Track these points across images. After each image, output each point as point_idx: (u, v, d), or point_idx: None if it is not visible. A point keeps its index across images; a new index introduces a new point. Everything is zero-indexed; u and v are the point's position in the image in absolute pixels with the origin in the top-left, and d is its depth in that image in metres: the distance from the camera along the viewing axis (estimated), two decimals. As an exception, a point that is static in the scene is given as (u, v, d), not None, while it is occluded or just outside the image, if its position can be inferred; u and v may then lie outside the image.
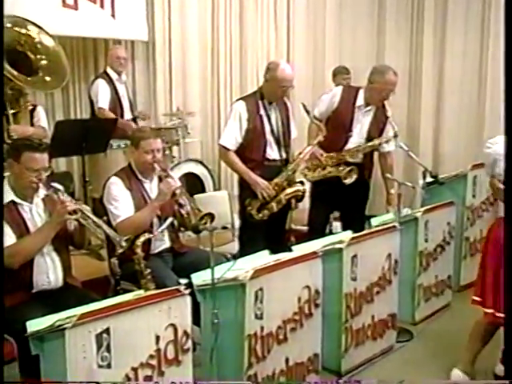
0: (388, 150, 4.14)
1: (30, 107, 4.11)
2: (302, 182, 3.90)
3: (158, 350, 2.36)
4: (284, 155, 3.83)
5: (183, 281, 3.05)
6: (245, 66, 6.23)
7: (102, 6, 5.11)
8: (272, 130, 3.76)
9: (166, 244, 3.36)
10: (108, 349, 2.19)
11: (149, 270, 3.00)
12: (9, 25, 3.96)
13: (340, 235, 3.31)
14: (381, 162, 4.21)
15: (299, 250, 3.01)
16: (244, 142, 3.72)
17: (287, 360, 2.86)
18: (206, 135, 6.02)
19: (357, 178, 3.98)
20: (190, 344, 2.48)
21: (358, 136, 4.04)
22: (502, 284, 2.76)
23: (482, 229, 4.27)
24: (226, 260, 3.44)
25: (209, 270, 2.59)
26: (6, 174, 3.06)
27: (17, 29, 4.02)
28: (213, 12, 5.96)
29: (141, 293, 2.45)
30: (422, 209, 3.84)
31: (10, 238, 2.67)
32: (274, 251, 3.01)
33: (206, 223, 3.18)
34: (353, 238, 3.15)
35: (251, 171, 3.70)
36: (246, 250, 3.45)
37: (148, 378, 2.34)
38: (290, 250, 3.04)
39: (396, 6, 6.42)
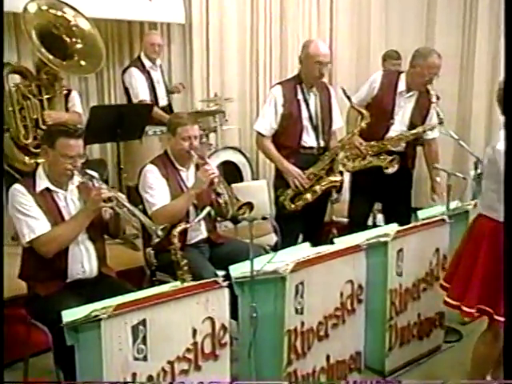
0: (432, 137, 4.06)
1: (65, 92, 4.18)
2: (340, 173, 3.87)
3: (195, 344, 2.39)
4: (322, 143, 3.78)
5: (220, 273, 3.08)
6: (285, 50, 6.20)
7: (137, -13, 5.15)
8: (310, 116, 3.72)
9: (203, 234, 3.38)
10: (144, 341, 2.22)
11: (185, 261, 3.01)
12: (45, 7, 4.02)
13: (385, 228, 3.28)
14: (424, 149, 4.14)
15: (341, 242, 2.99)
16: (279, 128, 3.71)
17: (328, 357, 2.85)
18: (244, 122, 6.02)
19: (399, 167, 3.92)
20: (227, 338, 2.50)
21: (399, 123, 3.98)
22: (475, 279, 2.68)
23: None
24: (265, 252, 3.45)
25: (247, 262, 2.60)
26: (41, 160, 3.13)
27: (52, 11, 4.06)
28: (252, -8, 5.95)
29: (177, 284, 2.48)
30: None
31: (44, 225, 2.72)
32: (314, 244, 3.00)
33: (244, 213, 3.18)
34: (398, 232, 3.11)
35: (285, 159, 3.68)
36: (283, 240, 3.45)
37: (184, 372, 2.37)
38: (332, 243, 3.03)
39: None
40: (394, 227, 3.20)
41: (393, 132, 3.97)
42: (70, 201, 2.85)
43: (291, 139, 3.70)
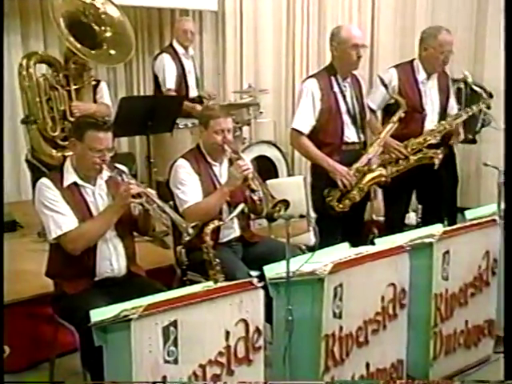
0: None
1: (94, 83, 4.23)
2: (383, 165, 3.84)
3: (228, 347, 2.40)
4: (362, 137, 3.78)
5: (254, 273, 3.09)
6: (323, 39, 6.16)
7: (168, -27, 5.20)
8: (348, 110, 3.71)
9: (236, 233, 3.39)
10: (175, 343, 2.24)
11: (218, 261, 3.04)
12: (73, -6, 4.08)
13: (430, 228, 3.23)
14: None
15: (382, 243, 2.97)
16: (318, 125, 3.68)
17: (368, 365, 2.84)
18: (279, 115, 6.03)
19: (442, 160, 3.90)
20: (261, 342, 2.51)
21: (432, 113, 3.96)
22: None
23: None
24: (301, 252, 3.45)
25: (283, 263, 2.59)
26: (69, 153, 3.18)
27: (81, -2, 4.13)
28: (288, -22, 5.95)
29: (210, 284, 2.49)
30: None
31: (72, 221, 2.76)
32: (353, 244, 2.99)
33: (279, 211, 3.18)
34: (445, 232, 3.07)
35: (328, 157, 3.65)
36: (322, 242, 3.44)
37: (216, 377, 2.38)
38: (372, 243, 3.01)
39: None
40: (439, 228, 3.16)
41: (429, 123, 3.96)
42: (98, 196, 2.88)
43: (333, 135, 3.68)
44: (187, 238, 2.87)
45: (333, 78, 3.70)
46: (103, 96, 4.29)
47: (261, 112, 5.39)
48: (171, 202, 3.29)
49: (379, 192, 4.13)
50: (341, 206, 3.67)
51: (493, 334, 3.44)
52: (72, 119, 3.93)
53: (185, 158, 3.33)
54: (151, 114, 4.24)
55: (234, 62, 5.86)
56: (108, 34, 4.17)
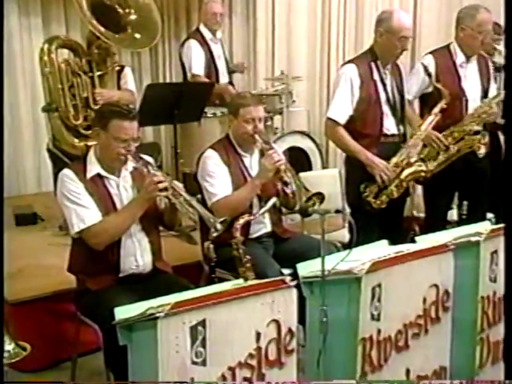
0: None
1: (118, 68, 4.28)
2: (422, 160, 3.80)
3: (259, 349, 2.40)
4: (402, 129, 3.76)
5: (286, 271, 3.10)
6: (361, 22, 6.14)
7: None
8: (388, 99, 3.69)
9: (267, 228, 3.40)
10: (203, 343, 2.25)
11: (248, 257, 3.05)
12: (97, -25, 4.12)
13: (476, 226, 3.19)
14: None
15: (424, 241, 2.94)
16: (355, 115, 3.66)
17: (408, 371, 2.81)
18: (313, 103, 6.02)
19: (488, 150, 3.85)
20: (294, 344, 2.51)
21: (473, 98, 3.91)
22: None
23: None
24: (336, 249, 3.45)
25: (317, 260, 2.59)
26: (91, 143, 3.22)
27: (105, -21, 4.16)
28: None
29: (240, 282, 2.51)
30: None
31: (95, 215, 2.80)
32: (392, 242, 2.97)
33: (314, 205, 3.18)
34: (493, 230, 3.02)
35: (366, 149, 3.64)
36: (358, 239, 3.42)
37: (246, 380, 2.39)
38: (413, 241, 2.99)
39: None
40: (487, 225, 3.13)
41: (471, 110, 3.91)
42: (122, 188, 2.91)
43: (371, 126, 3.66)
44: (215, 234, 2.89)
45: (373, 65, 3.67)
46: (127, 82, 4.33)
47: (294, 100, 5.38)
48: (199, 196, 3.31)
49: (419, 187, 4.08)
50: (378, 202, 3.65)
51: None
52: (95, 107, 3.98)
53: (213, 148, 3.34)
54: (178, 102, 4.26)
55: (265, 46, 5.85)
56: (133, 17, 4.20)
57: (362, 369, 2.63)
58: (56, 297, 3.39)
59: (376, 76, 3.67)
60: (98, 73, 4.13)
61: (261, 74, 5.81)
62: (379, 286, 2.62)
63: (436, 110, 3.75)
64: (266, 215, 3.35)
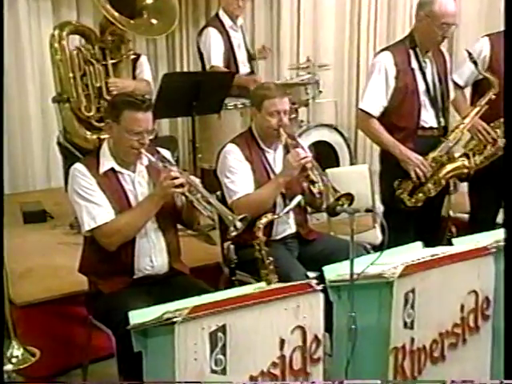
0: None
1: (133, 57, 4.29)
2: (466, 155, 3.78)
3: (283, 357, 2.41)
4: (442, 122, 3.73)
5: (311, 274, 3.10)
6: (394, 4, 6.09)
7: None
8: (427, 89, 3.67)
9: (292, 228, 3.41)
10: (223, 351, 2.27)
11: (271, 259, 3.06)
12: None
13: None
14: None
15: (462, 243, 2.93)
16: (390, 106, 3.65)
17: (444, 385, 2.82)
18: (341, 94, 6.01)
19: None
20: (320, 353, 2.52)
21: None
22: None
23: None
24: (366, 251, 3.44)
25: (345, 263, 2.60)
26: (105, 136, 3.24)
27: (119, -39, 4.17)
28: None
29: (263, 286, 2.52)
30: None
31: (107, 212, 2.81)
32: (426, 244, 2.96)
33: (342, 205, 3.17)
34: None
35: (400, 143, 3.62)
36: (390, 240, 3.41)
37: (266, 392, 2.40)
38: (450, 243, 2.98)
39: None
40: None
41: None
42: (137, 184, 2.92)
43: (407, 119, 3.65)
44: (234, 233, 2.89)
45: (411, 52, 3.65)
46: (143, 71, 4.35)
47: (320, 91, 5.35)
48: (218, 193, 3.33)
49: (461, 185, 4.04)
50: (413, 200, 3.64)
51: None
52: (109, 97, 3.99)
53: (235, 143, 3.35)
54: (197, 93, 4.25)
55: (290, 32, 5.84)
56: (149, 2, 4.22)
57: (394, 380, 2.63)
58: (66, 299, 3.42)
59: (414, 64, 3.65)
60: (112, 61, 4.15)
61: (285, 62, 5.80)
62: (413, 291, 2.62)
63: (483, 101, 3.71)
64: (291, 215, 3.35)
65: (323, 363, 2.57)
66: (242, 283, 3.00)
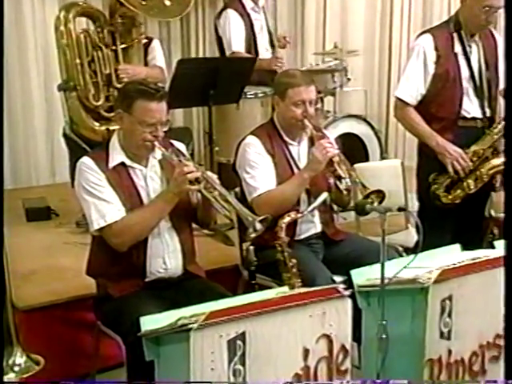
0: None
1: (144, 41, 4.31)
2: None
3: (307, 369, 2.42)
4: (488, 112, 3.71)
5: (338, 278, 3.10)
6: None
7: None
8: (472, 76, 3.65)
9: (317, 228, 3.41)
10: (242, 360, 2.27)
11: (294, 261, 3.06)
12: None
13: None
14: None
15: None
16: (429, 94, 3.65)
17: (483, 401, 2.81)
18: (371, 82, 6.00)
19: None
20: (348, 364, 2.52)
21: None
22: None
23: None
24: (398, 254, 3.43)
25: (375, 266, 2.60)
26: (115, 127, 3.26)
27: None
28: None
29: (285, 290, 2.52)
30: None
31: (118, 210, 2.82)
32: (466, 246, 2.95)
33: (372, 203, 3.17)
34: None
35: (439, 134, 3.62)
36: (425, 241, 3.40)
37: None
38: (492, 246, 2.97)
39: None
40: None
41: None
42: (149, 179, 2.93)
43: (447, 108, 3.64)
44: (253, 235, 2.89)
45: (455, 36, 3.64)
46: (156, 57, 4.37)
47: (348, 79, 5.36)
48: (237, 189, 3.33)
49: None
50: (450, 196, 3.63)
51: None
52: (119, 85, 4.02)
53: (255, 135, 3.36)
54: (214, 81, 4.26)
55: (315, 16, 5.83)
56: (162, -19, 4.24)
57: (429, 395, 2.64)
58: (72, 304, 3.44)
59: (458, 49, 3.64)
60: (122, 46, 4.17)
61: (310, 47, 5.80)
62: (450, 298, 2.62)
63: None
64: (316, 213, 3.35)
65: (351, 376, 2.56)
66: (263, 287, 2.99)
